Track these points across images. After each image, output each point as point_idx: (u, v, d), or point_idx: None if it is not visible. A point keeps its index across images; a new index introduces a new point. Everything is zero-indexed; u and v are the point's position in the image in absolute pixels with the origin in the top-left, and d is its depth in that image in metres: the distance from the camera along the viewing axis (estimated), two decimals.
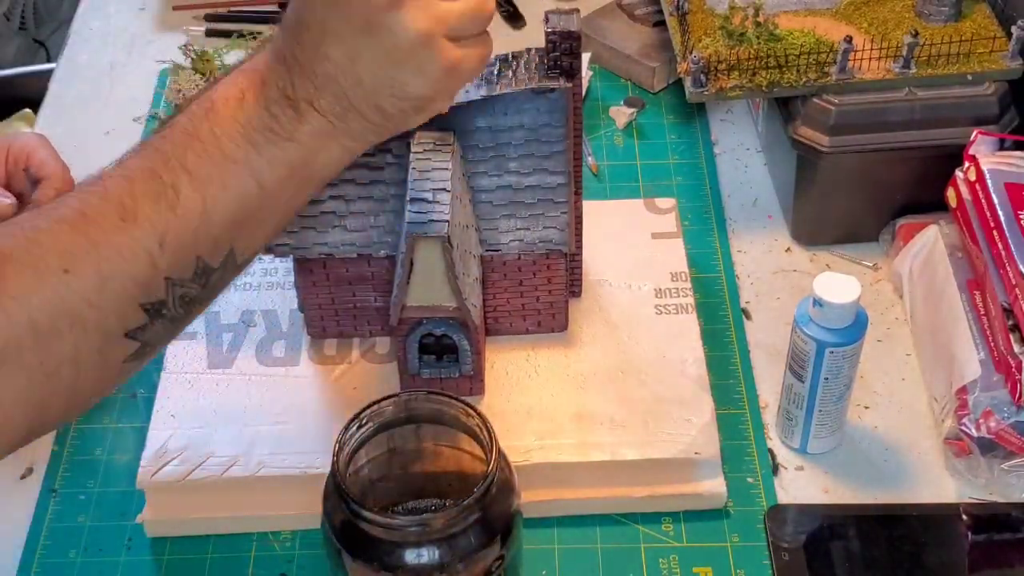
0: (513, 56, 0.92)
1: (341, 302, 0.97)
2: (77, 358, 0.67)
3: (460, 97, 0.88)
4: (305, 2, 0.71)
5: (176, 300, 0.71)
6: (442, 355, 0.94)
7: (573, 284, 1.01)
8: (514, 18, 1.33)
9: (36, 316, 0.65)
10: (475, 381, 0.95)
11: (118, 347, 0.69)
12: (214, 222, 0.71)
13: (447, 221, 0.86)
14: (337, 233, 0.93)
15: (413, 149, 0.89)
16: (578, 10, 0.90)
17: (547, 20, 0.89)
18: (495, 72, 0.91)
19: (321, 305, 0.97)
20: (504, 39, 1.08)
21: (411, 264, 0.87)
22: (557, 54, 0.89)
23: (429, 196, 0.87)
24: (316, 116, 0.72)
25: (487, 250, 0.94)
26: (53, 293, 0.66)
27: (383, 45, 0.71)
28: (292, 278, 0.98)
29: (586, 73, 1.31)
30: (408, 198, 0.87)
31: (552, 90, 0.89)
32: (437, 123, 0.87)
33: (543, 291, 0.97)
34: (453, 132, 0.90)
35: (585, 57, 1.33)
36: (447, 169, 0.88)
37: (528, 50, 0.92)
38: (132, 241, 0.68)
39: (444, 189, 0.87)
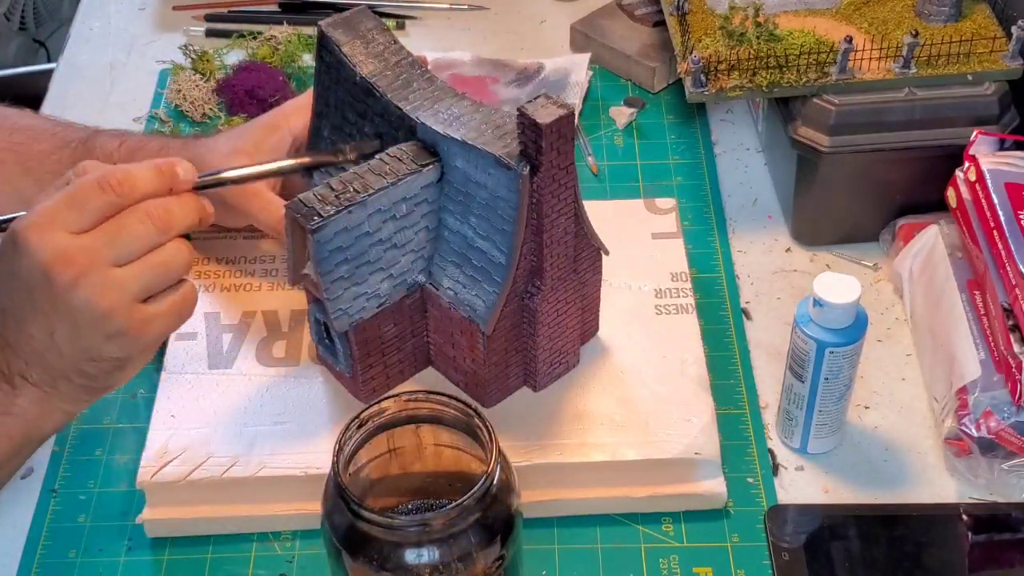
0: (497, 109, 0.89)
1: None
2: None
3: (438, 127, 0.87)
4: (2, 291, 0.78)
5: None
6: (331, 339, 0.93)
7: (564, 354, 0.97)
8: None
9: None
10: (355, 384, 0.94)
11: None
12: None
13: (319, 218, 0.84)
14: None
15: (393, 146, 0.89)
16: (572, 111, 0.83)
17: (529, 102, 0.83)
18: (480, 116, 0.88)
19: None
20: None
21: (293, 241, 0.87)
22: (525, 137, 0.83)
23: (343, 189, 0.85)
24: (30, 388, 0.80)
25: (429, 282, 0.92)
26: None
27: (72, 320, 0.77)
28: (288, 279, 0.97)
29: (586, 73, 1.31)
30: (330, 176, 0.87)
31: (508, 167, 0.84)
32: (431, 139, 0.88)
33: (467, 355, 0.93)
34: (439, 160, 0.88)
35: (585, 57, 1.33)
36: (387, 186, 0.86)
37: (537, 96, 0.84)
38: None
39: (365, 191, 0.85)
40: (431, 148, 0.89)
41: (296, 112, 1.02)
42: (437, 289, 0.91)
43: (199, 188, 0.82)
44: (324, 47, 0.94)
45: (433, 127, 0.88)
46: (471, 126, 0.87)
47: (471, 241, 0.89)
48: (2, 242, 0.79)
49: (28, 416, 0.81)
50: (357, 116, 0.94)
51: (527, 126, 0.83)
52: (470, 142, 0.86)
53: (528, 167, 0.84)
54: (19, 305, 0.78)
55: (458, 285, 0.90)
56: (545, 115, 0.82)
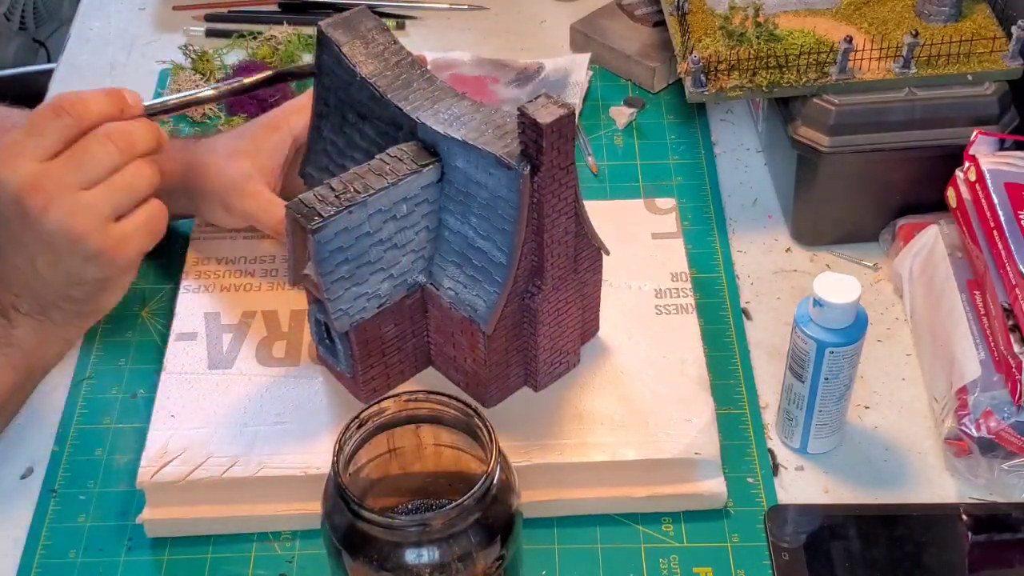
0: (497, 108, 0.89)
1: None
2: None
3: (438, 127, 0.87)
4: None
5: None
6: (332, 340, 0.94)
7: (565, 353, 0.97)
8: None
9: None
10: (356, 384, 0.94)
11: None
12: None
13: (320, 218, 0.84)
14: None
15: (394, 147, 0.89)
16: (573, 111, 0.83)
17: (527, 102, 0.83)
18: (481, 117, 0.88)
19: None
20: None
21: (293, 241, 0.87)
22: (525, 137, 0.83)
23: (343, 189, 0.85)
24: (24, 318, 0.83)
25: (429, 282, 0.92)
26: None
27: (47, 244, 0.80)
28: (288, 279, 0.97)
29: (586, 73, 1.31)
30: (334, 176, 0.87)
31: (509, 166, 0.84)
32: (431, 140, 0.88)
33: (467, 355, 0.93)
34: (439, 160, 0.88)
35: (585, 57, 1.33)
36: (386, 186, 0.86)
37: (537, 96, 0.84)
38: None
39: (366, 192, 0.85)
40: (431, 148, 0.89)
41: (296, 112, 1.03)
42: (437, 289, 0.91)
43: (149, 115, 0.87)
44: (324, 47, 0.94)
45: (433, 127, 0.88)
46: (471, 126, 0.87)
47: (472, 241, 0.89)
48: None
49: (27, 346, 0.83)
50: (357, 116, 0.94)
51: (528, 126, 0.83)
52: (471, 142, 0.86)
53: (529, 167, 0.84)
54: (1, 238, 0.81)
55: (459, 285, 0.90)
56: (546, 115, 0.82)
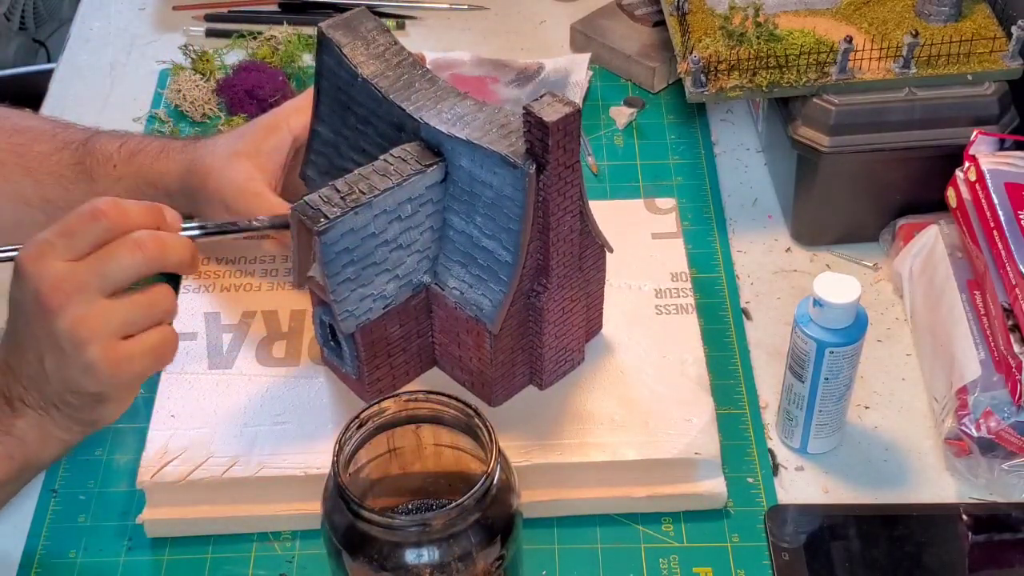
0: (500, 107, 0.89)
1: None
2: None
3: (442, 127, 0.87)
4: (9, 315, 0.81)
5: None
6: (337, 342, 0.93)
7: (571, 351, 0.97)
8: None
9: None
10: (362, 385, 0.94)
11: None
12: None
13: (326, 220, 0.84)
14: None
15: (397, 147, 0.89)
16: (578, 109, 0.83)
17: (535, 100, 0.83)
18: (484, 116, 0.88)
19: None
20: None
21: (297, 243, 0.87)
22: (531, 136, 0.83)
23: (349, 190, 0.85)
24: (27, 410, 0.81)
25: (434, 282, 0.92)
26: None
27: (57, 346, 0.78)
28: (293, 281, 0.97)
29: (586, 73, 1.31)
30: (339, 177, 0.86)
31: (514, 165, 0.84)
32: (435, 140, 0.88)
33: (473, 354, 0.93)
34: (443, 159, 0.88)
35: (585, 57, 1.33)
36: (392, 186, 0.86)
37: (543, 95, 0.84)
38: None
39: (371, 193, 0.85)
40: (435, 148, 0.89)
41: (295, 112, 1.03)
42: (443, 289, 0.91)
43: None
44: (324, 49, 0.94)
45: (437, 127, 0.88)
46: (475, 125, 0.87)
47: (477, 240, 0.89)
48: (12, 273, 0.81)
49: (27, 439, 0.82)
50: (358, 118, 0.94)
51: (533, 124, 0.82)
52: (475, 141, 0.85)
53: (534, 166, 0.84)
54: (20, 330, 0.80)
55: (464, 284, 0.90)
56: (552, 113, 0.82)
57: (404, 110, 0.90)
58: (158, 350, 0.81)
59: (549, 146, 0.82)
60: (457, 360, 0.95)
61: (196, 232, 0.86)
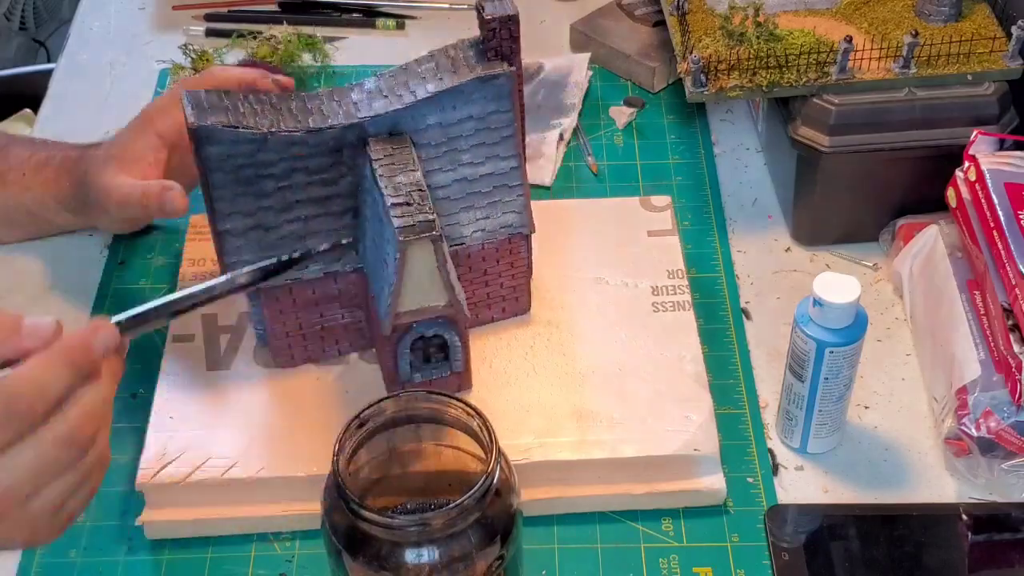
0: (443, 52, 0.91)
1: (308, 326, 0.96)
2: None
3: (406, 98, 0.89)
4: None
5: None
6: (429, 357, 0.94)
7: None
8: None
9: None
10: (463, 377, 0.95)
11: None
12: None
13: (434, 219, 0.85)
14: (284, 234, 0.91)
15: (373, 156, 0.88)
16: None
17: (482, 9, 0.89)
18: (436, 67, 0.90)
19: (288, 333, 0.95)
20: None
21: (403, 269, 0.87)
22: (497, 41, 0.89)
23: (408, 198, 0.86)
24: None
25: (451, 245, 0.93)
26: None
27: None
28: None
29: (586, 73, 1.31)
30: (388, 204, 0.86)
31: (497, 76, 0.89)
32: (389, 127, 0.89)
33: (507, 276, 0.98)
34: (405, 134, 0.89)
35: (585, 57, 1.33)
36: (416, 170, 0.88)
37: (457, 43, 0.91)
38: None
39: (420, 188, 0.87)
40: (396, 133, 0.90)
41: (159, 113, 1.03)
42: (463, 243, 0.94)
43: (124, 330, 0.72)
44: (204, 144, 0.86)
45: (390, 110, 0.89)
46: (428, 83, 0.90)
47: (471, 177, 0.92)
48: None
49: None
50: (275, 179, 0.89)
51: (500, 21, 0.88)
52: (443, 90, 0.88)
53: (507, 64, 0.90)
54: None
55: (482, 221, 0.94)
56: (506, 7, 0.89)
57: (342, 125, 0.88)
58: (82, 502, 0.69)
59: (517, 36, 0.89)
60: (485, 299, 0.98)
61: (135, 325, 0.74)
